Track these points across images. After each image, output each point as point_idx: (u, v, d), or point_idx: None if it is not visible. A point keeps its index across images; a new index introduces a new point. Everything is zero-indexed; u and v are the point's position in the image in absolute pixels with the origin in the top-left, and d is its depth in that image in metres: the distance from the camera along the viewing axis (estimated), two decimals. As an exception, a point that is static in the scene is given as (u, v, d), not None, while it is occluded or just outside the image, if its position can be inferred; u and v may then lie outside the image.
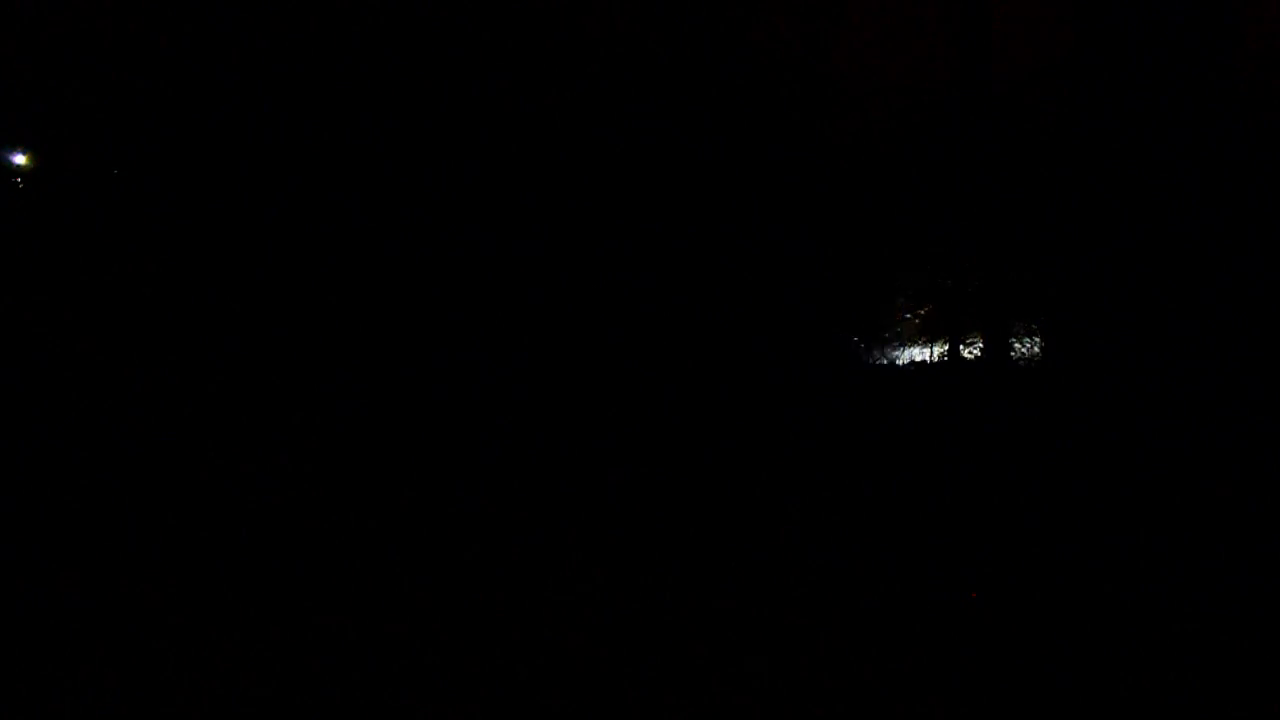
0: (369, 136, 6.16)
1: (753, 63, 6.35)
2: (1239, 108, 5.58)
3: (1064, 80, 5.96)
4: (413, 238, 6.23)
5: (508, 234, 6.23)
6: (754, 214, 6.44)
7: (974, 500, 5.44)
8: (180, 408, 5.72)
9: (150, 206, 5.75)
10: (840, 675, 3.44)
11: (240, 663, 3.42)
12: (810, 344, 6.34)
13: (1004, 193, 6.27)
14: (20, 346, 5.22)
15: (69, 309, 5.44)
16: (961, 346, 6.76)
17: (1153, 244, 5.71)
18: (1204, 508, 4.95)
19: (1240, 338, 5.43)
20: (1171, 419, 5.40)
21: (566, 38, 6.27)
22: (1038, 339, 6.21)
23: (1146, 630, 3.93)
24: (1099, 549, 4.80)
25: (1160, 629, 3.94)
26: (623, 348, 6.19)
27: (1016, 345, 6.21)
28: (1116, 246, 5.79)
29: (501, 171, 6.26)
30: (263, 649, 3.57)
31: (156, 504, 5.28)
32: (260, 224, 5.98)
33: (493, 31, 6.27)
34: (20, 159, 5.64)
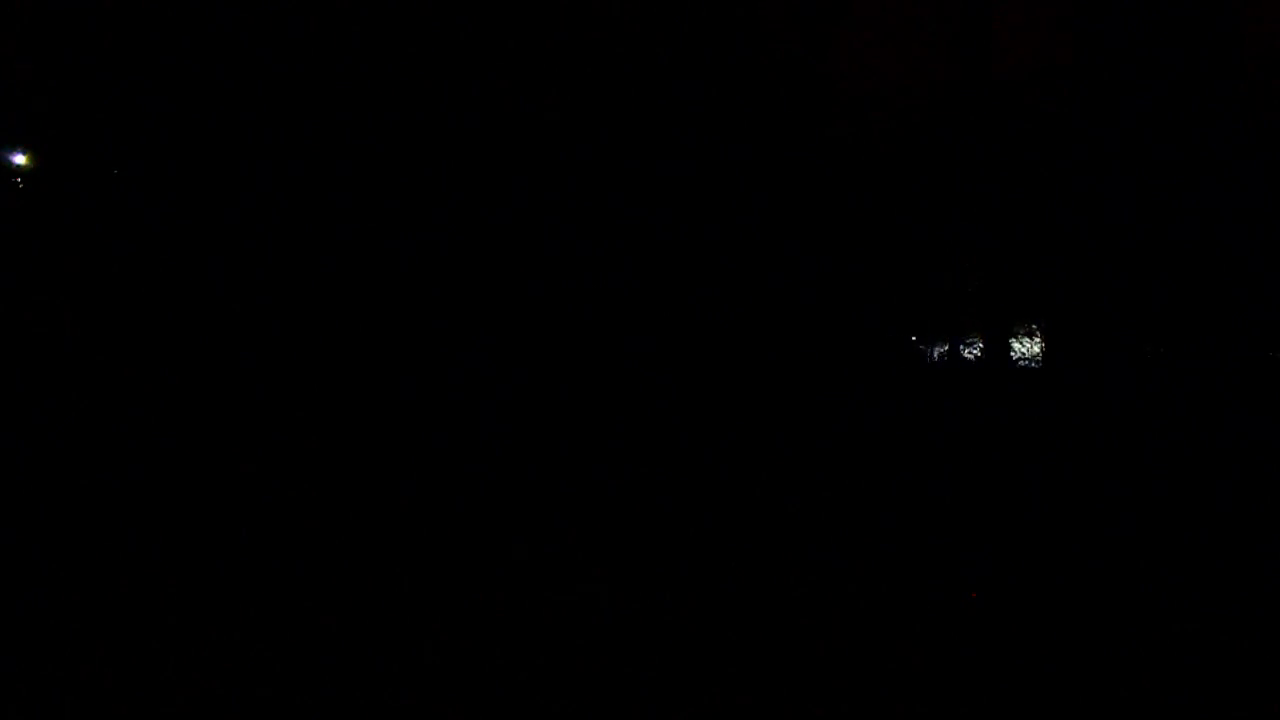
0: (369, 136, 6.15)
1: (754, 65, 6.35)
2: (1239, 108, 5.57)
3: (1064, 80, 5.97)
4: (417, 236, 6.23)
5: (519, 234, 6.22)
6: (750, 213, 6.44)
7: (973, 499, 5.44)
8: (180, 408, 5.72)
9: (150, 206, 5.75)
10: (840, 675, 3.44)
11: (241, 662, 3.42)
12: (802, 344, 6.33)
13: (1004, 193, 6.27)
14: (18, 346, 5.22)
15: (69, 309, 5.43)
16: (961, 346, 6.75)
17: (1152, 243, 5.70)
18: (1203, 507, 4.95)
19: (1239, 335, 5.42)
20: (1171, 418, 5.40)
21: (569, 39, 6.27)
22: (1037, 339, 6.21)
23: (1145, 630, 3.93)
24: (1097, 548, 4.80)
25: (1160, 628, 3.93)
26: (622, 349, 6.19)
27: (1016, 345, 6.20)
28: (1117, 245, 5.79)
29: (510, 171, 6.25)
30: (263, 649, 3.57)
31: (157, 504, 5.28)
32: (261, 223, 5.98)
33: (496, 32, 6.27)
34: (20, 159, 5.64)
